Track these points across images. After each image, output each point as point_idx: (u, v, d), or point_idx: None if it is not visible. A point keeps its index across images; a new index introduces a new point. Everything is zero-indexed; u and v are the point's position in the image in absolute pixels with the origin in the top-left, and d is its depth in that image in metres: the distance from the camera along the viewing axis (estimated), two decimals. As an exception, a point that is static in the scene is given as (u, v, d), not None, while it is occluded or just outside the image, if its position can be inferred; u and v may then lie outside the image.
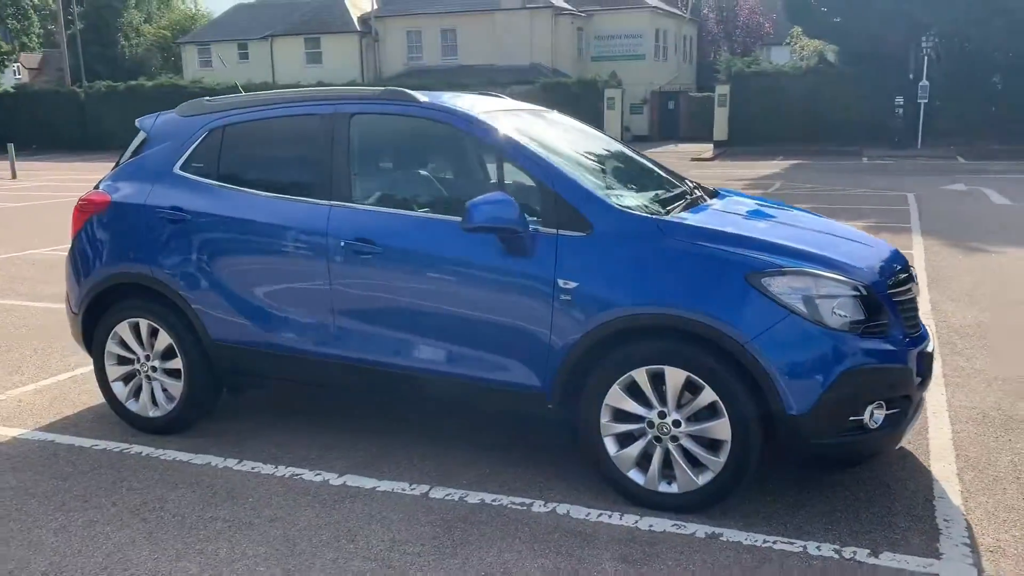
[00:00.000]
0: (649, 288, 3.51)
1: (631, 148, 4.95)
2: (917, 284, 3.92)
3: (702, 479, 3.50)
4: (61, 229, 12.79)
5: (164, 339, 4.46)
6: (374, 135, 4.26)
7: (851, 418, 3.39)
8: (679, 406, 3.51)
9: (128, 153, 4.78)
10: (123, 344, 4.58)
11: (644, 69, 38.45)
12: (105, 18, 52.11)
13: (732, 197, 4.50)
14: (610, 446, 3.64)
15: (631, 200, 3.88)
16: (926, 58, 26.46)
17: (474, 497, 3.77)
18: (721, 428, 3.42)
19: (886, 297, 3.55)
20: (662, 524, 3.49)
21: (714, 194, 4.53)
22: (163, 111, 4.83)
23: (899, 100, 27.26)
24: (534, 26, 37.69)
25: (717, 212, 4.01)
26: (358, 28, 40.74)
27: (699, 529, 3.44)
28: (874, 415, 3.42)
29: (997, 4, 25.09)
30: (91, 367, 5.71)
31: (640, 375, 3.53)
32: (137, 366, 4.57)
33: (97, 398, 5.16)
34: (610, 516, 3.57)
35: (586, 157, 4.33)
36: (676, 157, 25.72)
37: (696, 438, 3.50)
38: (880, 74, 27.94)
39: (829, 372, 3.32)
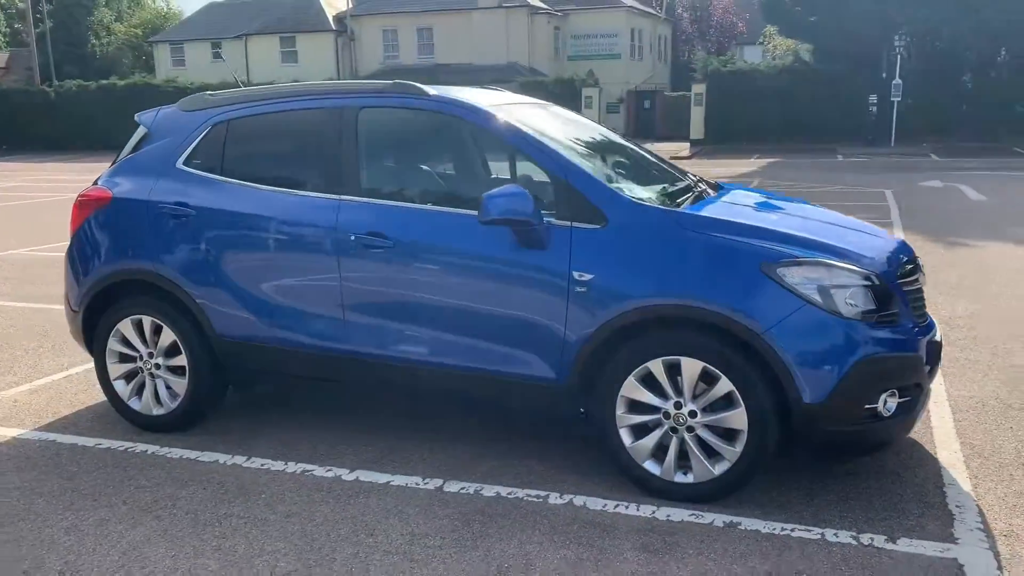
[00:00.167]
0: (665, 280, 3.52)
1: (632, 142, 4.97)
2: (923, 274, 3.97)
3: (718, 468, 3.52)
4: (38, 230, 12.62)
5: (168, 336, 4.41)
6: (384, 129, 4.24)
7: (866, 406, 3.42)
8: (695, 396, 3.53)
9: (128, 148, 4.72)
10: (125, 342, 4.52)
11: (620, 68, 38.62)
12: (75, 16, 51.41)
13: (736, 190, 4.53)
14: (625, 437, 3.65)
15: (642, 193, 3.90)
16: (899, 57, 26.82)
17: (489, 490, 3.77)
18: (738, 418, 3.44)
19: (896, 287, 3.60)
20: (679, 514, 3.51)
21: (717, 187, 4.56)
22: (163, 106, 4.77)
23: (873, 98, 27.62)
24: (510, 25, 37.71)
25: (727, 204, 4.04)
26: (333, 27, 40.53)
27: (717, 518, 3.46)
28: (887, 403, 3.46)
29: (967, 4, 25.47)
30: (84, 366, 5.70)
31: (656, 366, 3.54)
32: (140, 364, 4.51)
33: (94, 397, 5.11)
34: (627, 507, 3.58)
35: (593, 150, 4.34)
36: (654, 155, 25.79)
37: (712, 428, 3.52)
38: (854, 73, 28.29)
39: (844, 361, 3.36)
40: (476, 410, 4.09)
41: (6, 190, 19.91)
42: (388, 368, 4.03)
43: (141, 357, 4.51)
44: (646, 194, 3.90)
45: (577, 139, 4.34)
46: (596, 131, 4.78)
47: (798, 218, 4.04)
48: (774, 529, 3.37)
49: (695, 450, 3.55)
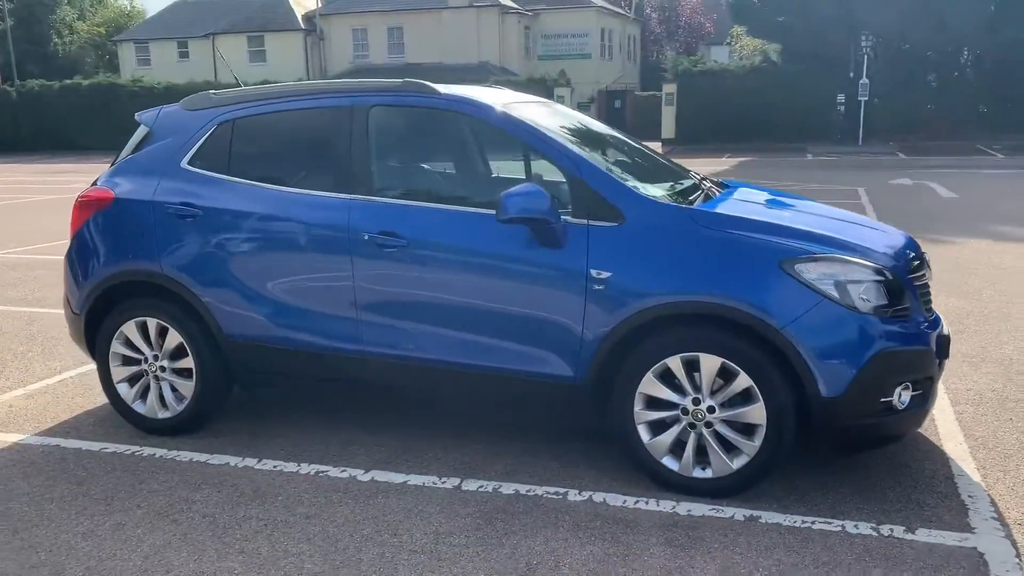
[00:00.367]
0: (684, 277, 3.55)
1: (636, 139, 5.00)
2: (930, 269, 4.04)
3: (737, 463, 3.56)
4: (12, 233, 12.37)
5: (174, 338, 4.36)
6: (395, 127, 4.23)
7: (881, 400, 3.48)
8: (713, 392, 3.56)
9: (129, 148, 4.66)
10: (129, 344, 4.46)
11: (590, 68, 38.80)
12: (37, 15, 50.48)
13: (743, 187, 4.58)
14: (644, 434, 3.68)
15: (653, 190, 3.93)
16: (866, 57, 27.25)
17: (508, 488, 3.78)
18: (756, 412, 3.48)
19: (907, 281, 3.67)
20: (700, 509, 3.54)
21: (723, 185, 4.60)
22: (165, 105, 4.71)
23: (841, 98, 28.03)
24: (481, 24, 37.72)
25: (738, 202, 4.08)
26: (303, 26, 40.25)
27: (737, 512, 3.50)
28: (902, 396, 3.52)
29: (930, 5, 25.94)
30: (78, 370, 5.62)
31: (674, 362, 3.57)
32: (145, 366, 4.46)
33: (92, 401, 5.04)
34: (647, 502, 3.61)
35: (603, 147, 4.37)
36: (627, 155, 25.93)
37: (730, 423, 3.56)
38: (822, 73, 28.66)
39: (861, 355, 3.41)
40: (491, 409, 4.08)
41: (-29, 192, 19.50)
42: (402, 368, 4.02)
43: (146, 360, 4.45)
44: (657, 192, 3.93)
45: (586, 137, 4.36)
46: (602, 129, 4.80)
47: (809, 215, 4.10)
48: (795, 522, 3.41)
49: (713, 445, 3.58)
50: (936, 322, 3.82)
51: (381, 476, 3.93)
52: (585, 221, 3.69)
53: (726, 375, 3.53)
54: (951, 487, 3.69)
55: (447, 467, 4.01)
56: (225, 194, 4.24)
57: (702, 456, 3.63)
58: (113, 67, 45.71)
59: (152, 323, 4.39)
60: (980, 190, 15.50)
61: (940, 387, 4.87)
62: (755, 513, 3.49)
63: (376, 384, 4.17)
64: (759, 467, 3.54)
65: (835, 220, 4.09)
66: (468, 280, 3.83)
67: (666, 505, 3.58)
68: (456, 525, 3.47)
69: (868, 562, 3.11)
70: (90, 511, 3.67)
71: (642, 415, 3.67)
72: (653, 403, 3.65)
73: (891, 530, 3.33)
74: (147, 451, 4.29)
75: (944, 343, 3.79)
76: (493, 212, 3.70)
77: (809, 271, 3.45)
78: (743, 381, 3.48)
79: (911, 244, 4.05)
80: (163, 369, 4.42)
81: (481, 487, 3.80)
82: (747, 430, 3.54)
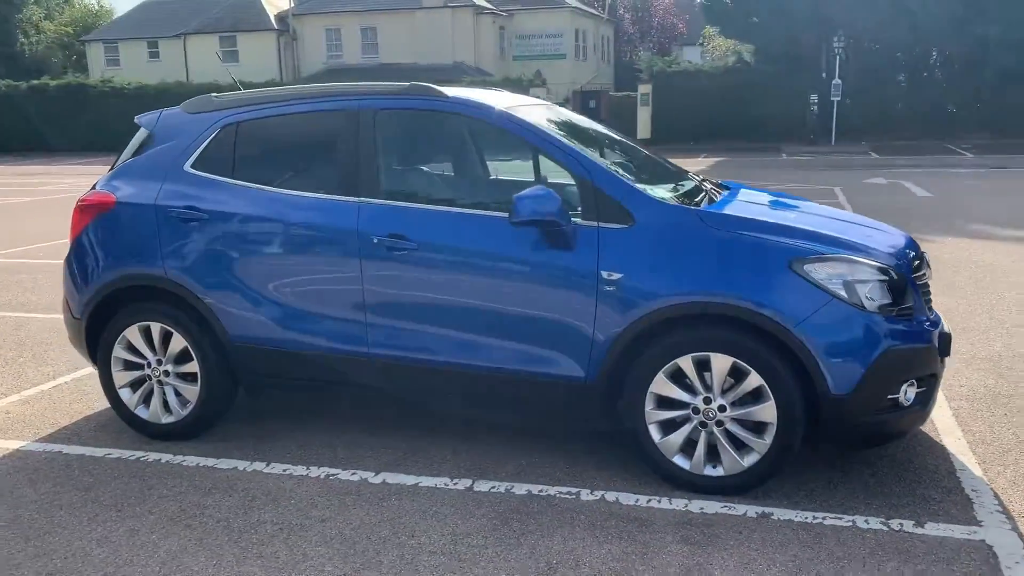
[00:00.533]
0: (695, 277, 3.60)
1: (635, 141, 5.05)
2: (929, 268, 4.13)
3: (748, 461, 3.61)
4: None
5: (178, 342, 4.33)
6: (402, 131, 4.24)
7: (888, 396, 3.56)
8: (724, 391, 3.62)
9: (129, 151, 4.62)
10: (132, 349, 4.43)
11: (565, 68, 38.90)
12: (2, 14, 49.59)
13: (743, 189, 4.64)
14: (655, 433, 3.72)
15: (661, 192, 3.97)
16: (838, 58, 27.57)
17: (520, 488, 3.80)
18: (767, 411, 3.54)
19: (911, 280, 3.74)
20: (712, 506, 3.59)
21: (724, 186, 4.66)
22: (166, 108, 4.68)
23: (814, 98, 28.29)
24: (456, 25, 37.68)
25: (743, 203, 4.14)
26: (275, 26, 39.94)
27: (749, 509, 3.55)
28: (907, 393, 3.60)
29: (900, 6, 26.33)
30: (72, 375, 5.57)
31: (685, 362, 3.62)
32: (148, 371, 4.42)
33: (91, 406, 5.00)
34: (659, 501, 3.65)
35: (608, 150, 4.41)
36: (604, 155, 26.04)
37: (741, 422, 3.61)
38: (795, 73, 28.94)
39: (869, 353, 3.48)
40: (501, 411, 4.10)
41: (-59, 194, 19.15)
42: (411, 370, 4.03)
43: (149, 364, 4.42)
44: (664, 193, 3.98)
45: (590, 139, 4.41)
46: (603, 131, 4.84)
47: (812, 215, 4.16)
48: (806, 518, 3.47)
49: (724, 444, 3.63)
50: (937, 320, 3.90)
51: (392, 478, 3.94)
52: (595, 223, 3.73)
53: (737, 374, 3.58)
54: (954, 482, 3.78)
55: (457, 468, 4.03)
56: (231, 197, 4.23)
57: (713, 455, 3.68)
58: (81, 67, 45.06)
59: (156, 328, 4.36)
60: (953, 189, 15.76)
61: (934, 384, 4.99)
62: (767, 510, 3.55)
63: (385, 387, 4.17)
64: (770, 465, 3.60)
65: (838, 221, 4.17)
66: (478, 282, 3.84)
67: (678, 503, 3.63)
68: (472, 526, 3.49)
69: (881, 556, 3.17)
70: (101, 517, 3.64)
71: (653, 415, 3.71)
72: (664, 403, 3.70)
73: (901, 524, 3.40)
74: (152, 456, 4.26)
75: (946, 341, 3.87)
76: (501, 214, 3.72)
77: (818, 271, 3.52)
78: (754, 380, 3.53)
79: (911, 244, 4.13)
80: (167, 374, 4.40)
81: (493, 488, 3.82)
82: (758, 428, 3.59)
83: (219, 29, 40.53)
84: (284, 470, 4.07)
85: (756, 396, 3.56)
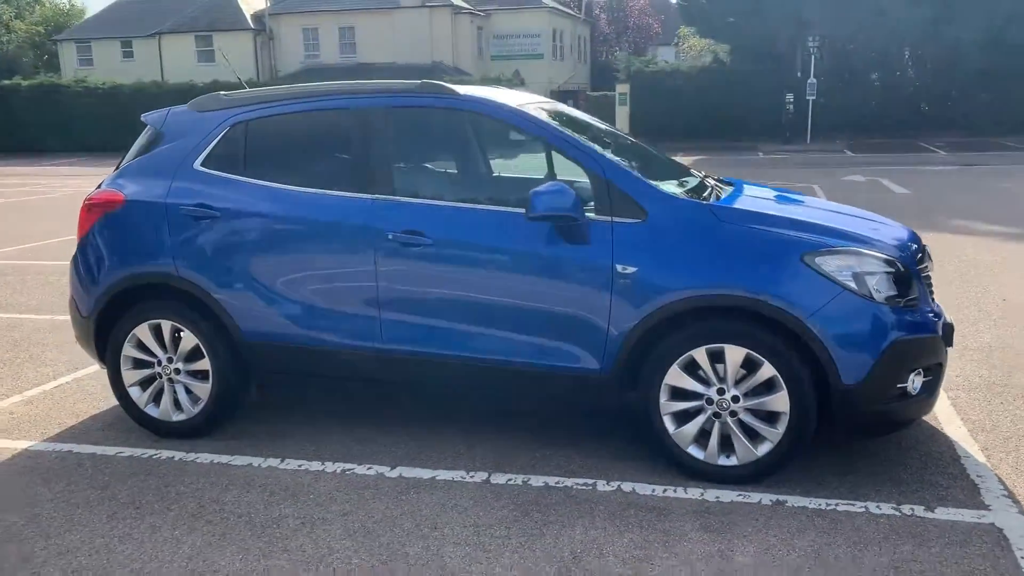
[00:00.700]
0: (709, 270, 3.67)
1: (637, 138, 5.12)
2: (931, 260, 4.23)
3: (761, 450, 3.69)
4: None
5: (190, 340, 4.33)
6: (415, 128, 4.28)
7: (897, 385, 3.65)
8: (737, 382, 3.69)
9: (136, 150, 4.62)
10: (142, 347, 4.42)
11: (543, 68, 39.03)
12: (-29, 13, 48.93)
13: (747, 185, 4.72)
14: (669, 424, 3.79)
15: (670, 187, 4.04)
16: (813, 57, 27.90)
17: (536, 480, 3.85)
18: (780, 401, 3.62)
19: (915, 272, 3.84)
20: (727, 495, 3.66)
21: (727, 183, 4.74)
22: (173, 106, 4.68)
23: (789, 97, 28.62)
24: (434, 24, 37.67)
25: (751, 198, 4.22)
26: (252, 25, 39.69)
27: (763, 497, 3.63)
28: (914, 382, 3.69)
29: (874, 7, 26.70)
30: (72, 375, 5.55)
31: (700, 354, 3.69)
32: (159, 369, 4.42)
33: (96, 406, 4.99)
34: (675, 491, 3.72)
35: (617, 146, 4.46)
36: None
37: (754, 412, 3.68)
38: (771, 72, 29.27)
39: (879, 344, 3.57)
40: (516, 404, 4.15)
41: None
42: (425, 365, 4.06)
43: (159, 363, 4.42)
44: (676, 189, 4.05)
45: (597, 136, 4.45)
46: (608, 128, 4.91)
47: (817, 209, 4.26)
48: (820, 505, 3.56)
49: (738, 433, 3.70)
50: (940, 311, 4.00)
51: (408, 472, 3.98)
52: (609, 218, 3.79)
53: (750, 365, 3.65)
54: (959, 468, 3.88)
55: (472, 462, 4.07)
56: (243, 195, 4.24)
57: (726, 445, 3.75)
58: (53, 67, 44.51)
59: (166, 325, 4.36)
60: (929, 186, 16.03)
61: (931, 374, 5.10)
62: (780, 497, 3.62)
63: (398, 381, 4.21)
64: (782, 454, 3.68)
65: (843, 214, 4.26)
66: (493, 277, 3.89)
67: (694, 492, 3.69)
68: (493, 517, 3.53)
69: (896, 540, 3.26)
70: (120, 515, 3.64)
71: (668, 406, 3.78)
72: (678, 394, 3.76)
73: (912, 509, 3.49)
74: (165, 454, 4.26)
75: (949, 331, 3.97)
76: (517, 210, 3.78)
77: (828, 263, 3.60)
78: (767, 371, 3.61)
79: (913, 236, 4.23)
80: (177, 372, 4.40)
81: (510, 480, 3.87)
82: (770, 418, 3.67)
83: (195, 28, 40.24)
84: (299, 466, 4.09)
85: (769, 386, 3.64)
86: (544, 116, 4.10)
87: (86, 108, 32.16)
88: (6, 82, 36.21)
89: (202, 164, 4.36)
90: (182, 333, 4.35)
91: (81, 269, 4.53)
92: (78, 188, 19.12)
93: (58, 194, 18.49)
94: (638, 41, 48.80)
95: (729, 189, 4.45)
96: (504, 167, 4.86)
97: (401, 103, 4.17)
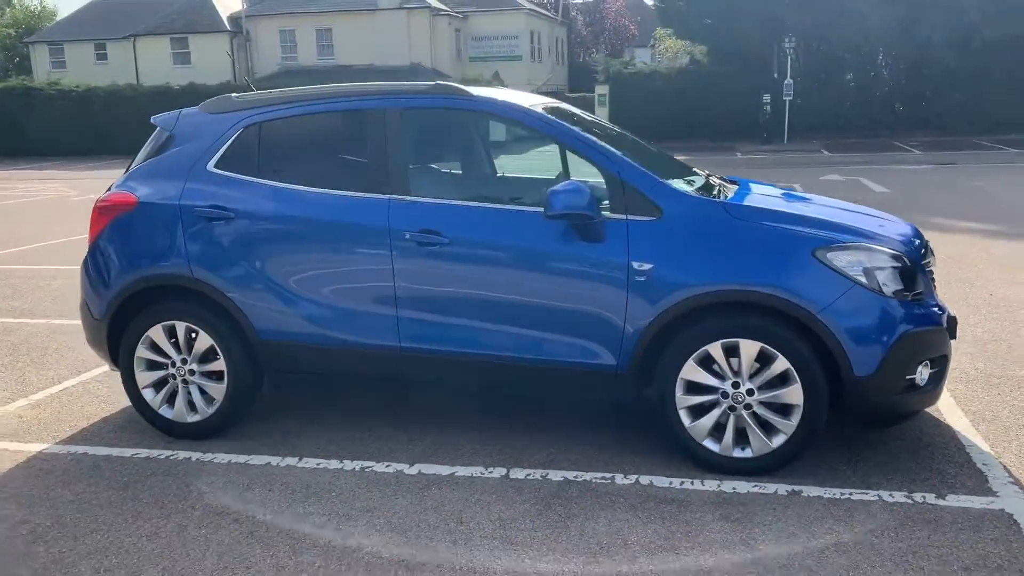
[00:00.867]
0: (723, 267, 3.76)
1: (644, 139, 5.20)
2: (934, 255, 4.35)
3: (776, 442, 3.78)
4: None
5: (204, 341, 4.35)
6: (429, 129, 4.34)
7: (906, 377, 3.75)
8: (751, 376, 3.78)
9: (147, 152, 4.63)
10: (155, 348, 4.44)
11: (521, 70, 39.10)
12: (-60, 16, 48.20)
13: (752, 183, 4.82)
14: (685, 418, 3.87)
15: (682, 186, 4.12)
16: (789, 58, 28.21)
17: (555, 475, 3.92)
18: (794, 393, 3.71)
19: (921, 267, 3.95)
20: (743, 486, 3.75)
21: (732, 181, 4.84)
22: (183, 108, 4.69)
23: (766, 98, 28.87)
24: (412, 26, 37.65)
25: (760, 196, 4.32)
26: (228, 27, 39.44)
27: (779, 488, 3.72)
28: (922, 374, 3.80)
29: (848, 9, 27.05)
30: (78, 378, 5.55)
31: (715, 349, 3.77)
32: (173, 370, 4.44)
33: (106, 408, 4.99)
34: (692, 483, 3.80)
35: (627, 145, 4.54)
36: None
37: (768, 404, 3.77)
38: (748, 73, 29.50)
39: (889, 336, 3.68)
40: (535, 399, 4.21)
41: None
42: (441, 363, 4.12)
43: (173, 364, 4.43)
44: (687, 187, 4.13)
45: (607, 135, 4.53)
46: (615, 128, 4.98)
47: (824, 206, 4.36)
48: (834, 494, 3.65)
49: (753, 426, 3.79)
50: (943, 305, 4.11)
51: (427, 469, 4.03)
52: (624, 216, 3.86)
53: (764, 359, 3.74)
54: (965, 457, 3.99)
55: (489, 458, 4.13)
56: (257, 196, 4.27)
57: (741, 437, 3.84)
58: (24, 69, 43.94)
59: (181, 326, 4.38)
60: (907, 184, 16.28)
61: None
62: (795, 488, 3.72)
63: (415, 379, 4.26)
64: (796, 445, 3.77)
65: (849, 211, 4.37)
66: (511, 275, 3.95)
67: (711, 484, 3.78)
68: (517, 511, 3.59)
69: (912, 526, 3.36)
70: (145, 514, 3.66)
71: (683, 400, 3.86)
72: (694, 388, 3.85)
73: (923, 497, 3.60)
74: (182, 455, 4.28)
75: (953, 324, 4.08)
76: (534, 209, 3.85)
77: (839, 259, 3.70)
78: (781, 364, 3.70)
79: (917, 232, 4.35)
80: (192, 372, 4.42)
81: (529, 475, 3.93)
82: (784, 410, 3.76)
83: (171, 31, 39.92)
84: (318, 464, 4.13)
85: (783, 379, 3.73)
86: (555, 117, 4.16)
87: (60, 111, 31.75)
88: (-23, 85, 35.73)
89: (216, 166, 4.39)
90: (196, 334, 4.37)
91: (93, 272, 4.53)
92: (58, 192, 18.96)
93: (37, 198, 18.29)
94: (615, 43, 49.06)
95: (737, 187, 4.54)
96: (506, 167, 4.91)
97: (415, 104, 4.22)
